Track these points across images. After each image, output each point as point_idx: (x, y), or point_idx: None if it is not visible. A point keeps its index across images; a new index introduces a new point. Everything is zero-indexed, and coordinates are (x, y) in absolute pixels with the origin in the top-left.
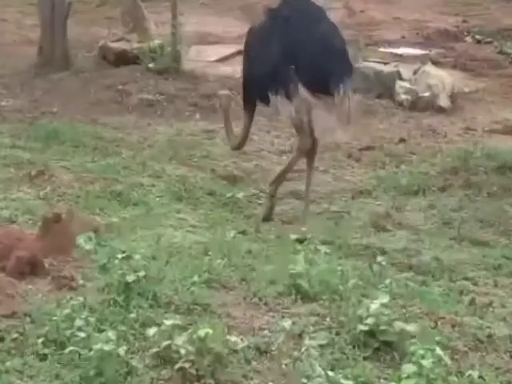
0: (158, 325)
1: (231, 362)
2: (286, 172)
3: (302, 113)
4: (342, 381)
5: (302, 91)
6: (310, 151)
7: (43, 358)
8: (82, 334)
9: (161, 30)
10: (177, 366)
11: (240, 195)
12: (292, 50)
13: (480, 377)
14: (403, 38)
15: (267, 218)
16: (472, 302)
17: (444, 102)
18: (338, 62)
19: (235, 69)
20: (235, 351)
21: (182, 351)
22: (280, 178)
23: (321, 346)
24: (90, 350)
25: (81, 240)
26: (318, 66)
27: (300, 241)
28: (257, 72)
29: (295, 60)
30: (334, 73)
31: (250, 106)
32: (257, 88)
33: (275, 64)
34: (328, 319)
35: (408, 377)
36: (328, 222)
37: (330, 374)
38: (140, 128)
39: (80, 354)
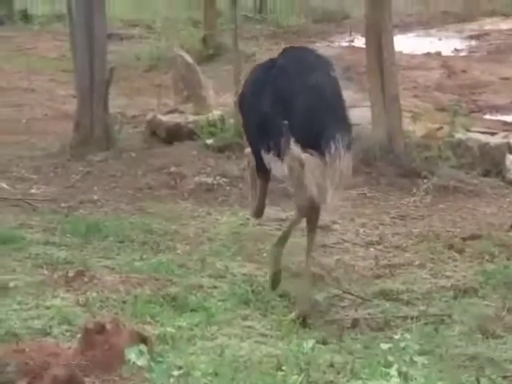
0: None
1: None
2: (287, 234)
3: (295, 171)
4: None
5: (294, 148)
6: (310, 213)
7: None
8: None
9: (222, 99)
10: None
11: (319, 297)
12: (283, 102)
13: None
14: None
15: (275, 286)
16: None
17: None
18: (330, 117)
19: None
20: None
21: None
22: (281, 241)
23: None
24: None
25: (130, 354)
26: (309, 121)
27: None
28: (251, 127)
29: (287, 114)
30: (325, 129)
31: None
32: (253, 145)
33: (266, 118)
34: None
35: None
36: (426, 328)
37: None
38: (198, 218)
39: None
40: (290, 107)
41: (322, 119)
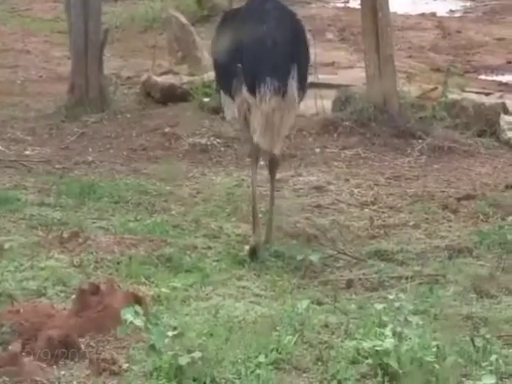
0: None
1: None
2: (253, 187)
3: (242, 113)
4: None
5: (244, 90)
6: (270, 161)
7: None
8: None
9: None
10: None
11: (314, 257)
12: (239, 48)
13: None
14: (509, 63)
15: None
16: None
17: None
18: (267, 63)
19: (307, 104)
20: None
21: None
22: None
23: None
24: None
25: (126, 315)
26: (250, 66)
27: None
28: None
29: (240, 59)
30: (259, 74)
31: None
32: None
33: (226, 62)
34: None
35: None
36: (420, 288)
37: None
38: (192, 178)
39: None
40: (242, 52)
41: (258, 65)
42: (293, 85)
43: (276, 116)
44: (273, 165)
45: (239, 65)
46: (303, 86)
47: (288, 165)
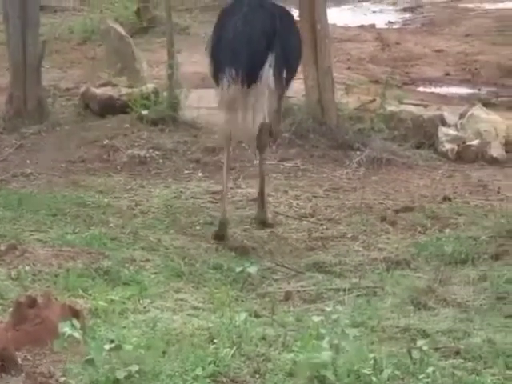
0: None
1: None
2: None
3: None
4: None
5: (224, 76)
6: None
7: None
8: None
9: (155, 72)
10: None
11: (252, 270)
12: (215, 42)
13: None
14: (447, 75)
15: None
16: None
17: (497, 151)
18: (228, 52)
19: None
20: None
21: None
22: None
23: None
24: None
25: (62, 328)
26: (217, 56)
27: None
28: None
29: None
30: (224, 61)
31: None
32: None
33: (215, 51)
34: None
35: None
36: (358, 300)
37: None
38: (131, 191)
39: None
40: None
41: (221, 56)
42: (264, 73)
43: (237, 103)
44: (259, 147)
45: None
46: (281, 74)
47: None
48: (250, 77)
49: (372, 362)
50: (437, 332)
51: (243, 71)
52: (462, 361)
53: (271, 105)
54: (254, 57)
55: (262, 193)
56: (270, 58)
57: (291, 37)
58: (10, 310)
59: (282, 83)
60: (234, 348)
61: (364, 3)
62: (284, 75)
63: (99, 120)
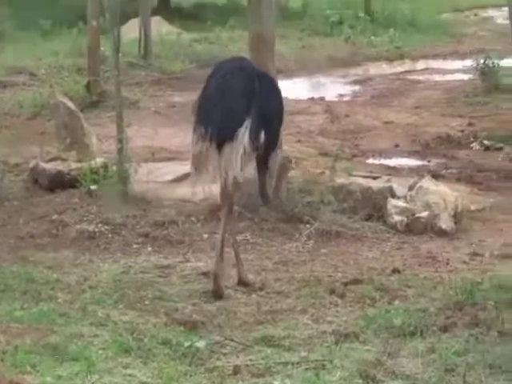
0: None
1: None
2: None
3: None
4: None
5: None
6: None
7: None
8: None
9: (104, 146)
10: None
11: (201, 344)
12: (200, 100)
13: None
14: (396, 146)
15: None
16: None
17: (446, 223)
18: (202, 112)
19: (195, 190)
20: None
21: None
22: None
23: None
24: None
25: None
26: (197, 114)
27: None
28: None
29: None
30: (197, 119)
31: None
32: None
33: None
34: None
35: None
36: (307, 373)
37: None
38: (79, 266)
39: None
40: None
41: (197, 115)
42: (239, 134)
43: (203, 160)
44: (226, 208)
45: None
46: (258, 137)
47: (176, 251)
48: (222, 136)
49: None
50: None
51: (213, 130)
52: None
53: (245, 166)
54: (228, 117)
55: (236, 255)
56: (247, 121)
57: (271, 101)
58: None
59: (259, 146)
60: None
61: (315, 76)
62: (262, 139)
63: (48, 195)
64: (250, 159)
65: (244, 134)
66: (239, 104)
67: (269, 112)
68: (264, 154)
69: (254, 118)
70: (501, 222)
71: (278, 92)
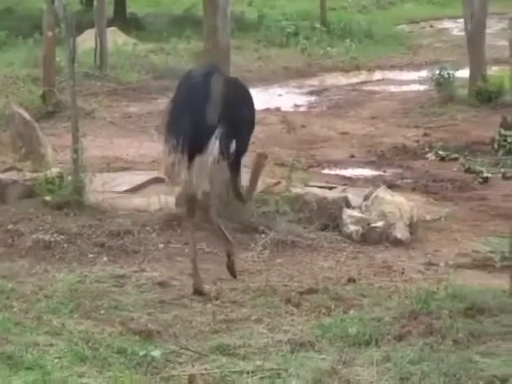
0: None
1: None
2: None
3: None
4: None
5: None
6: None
7: None
8: None
9: (60, 156)
10: None
11: (156, 353)
12: (171, 109)
13: None
14: (352, 157)
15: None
16: None
17: (401, 232)
18: (171, 124)
19: (151, 200)
20: None
21: None
22: None
23: None
24: None
25: None
26: (169, 124)
27: None
28: None
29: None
30: (169, 130)
31: None
32: None
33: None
34: None
35: None
36: (262, 382)
37: None
38: (35, 275)
39: None
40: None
41: (173, 124)
42: (210, 145)
43: (176, 170)
44: (206, 219)
45: None
46: (228, 146)
47: (131, 260)
48: (192, 148)
49: None
50: None
51: (184, 141)
52: None
53: (216, 176)
54: (198, 127)
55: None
56: (218, 131)
57: (242, 108)
58: None
59: (230, 155)
60: None
61: (270, 86)
62: (233, 148)
63: (3, 205)
64: (220, 168)
65: (214, 144)
66: (209, 113)
67: (240, 119)
68: (235, 160)
69: (225, 126)
70: (456, 231)
71: (248, 98)
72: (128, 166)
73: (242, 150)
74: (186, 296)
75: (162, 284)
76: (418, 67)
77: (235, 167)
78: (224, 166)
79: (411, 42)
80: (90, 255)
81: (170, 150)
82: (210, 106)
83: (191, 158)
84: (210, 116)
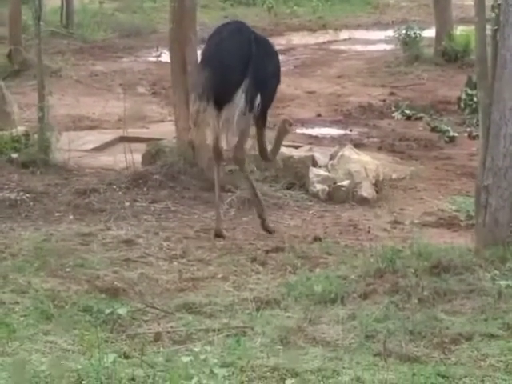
0: None
1: None
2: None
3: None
4: None
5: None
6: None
7: None
8: None
9: (26, 115)
10: None
11: (122, 311)
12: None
13: None
14: (319, 115)
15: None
16: None
17: (367, 191)
18: (200, 74)
19: (117, 158)
20: None
21: None
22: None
23: None
24: None
25: None
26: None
27: None
28: None
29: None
30: (197, 81)
31: None
32: None
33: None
34: None
35: None
36: (228, 340)
37: None
38: (0, 234)
39: None
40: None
41: (202, 74)
42: (236, 97)
43: (200, 118)
44: (236, 163)
45: None
46: (254, 99)
47: (97, 219)
48: (220, 97)
49: None
50: (306, 371)
51: (210, 90)
52: None
53: (242, 127)
54: (226, 79)
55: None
56: (244, 83)
57: (268, 63)
58: None
59: (255, 107)
60: None
61: None
62: (258, 101)
63: None
64: (245, 120)
65: (241, 96)
66: (236, 67)
67: (265, 74)
68: (261, 113)
69: (251, 80)
70: (421, 190)
71: (273, 53)
72: (94, 124)
73: (267, 103)
74: (152, 254)
75: (127, 242)
76: (384, 26)
77: (261, 122)
78: (251, 119)
79: (378, 1)
80: (56, 214)
81: (196, 98)
82: (237, 60)
83: (219, 109)
84: (237, 69)
